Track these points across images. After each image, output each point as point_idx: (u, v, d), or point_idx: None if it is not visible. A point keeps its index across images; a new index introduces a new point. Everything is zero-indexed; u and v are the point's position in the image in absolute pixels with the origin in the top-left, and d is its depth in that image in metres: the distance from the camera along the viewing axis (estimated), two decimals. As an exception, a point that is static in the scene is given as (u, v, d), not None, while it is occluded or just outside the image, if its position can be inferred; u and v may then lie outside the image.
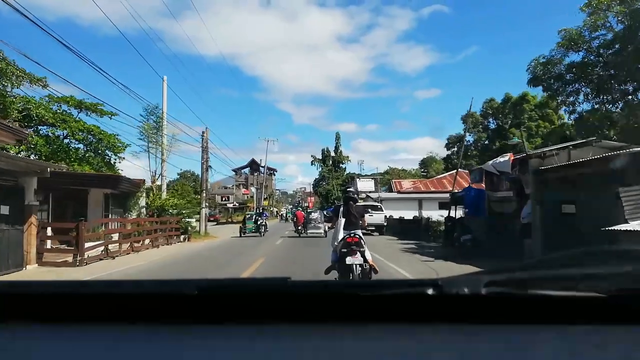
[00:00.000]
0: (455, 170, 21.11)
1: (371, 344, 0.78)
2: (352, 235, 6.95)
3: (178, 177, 72.36)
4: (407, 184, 39.64)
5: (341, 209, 7.56)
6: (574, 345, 0.76)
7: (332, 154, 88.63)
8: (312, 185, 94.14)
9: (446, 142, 58.70)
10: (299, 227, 26.11)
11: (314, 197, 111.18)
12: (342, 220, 7.23)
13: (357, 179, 33.70)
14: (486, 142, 54.21)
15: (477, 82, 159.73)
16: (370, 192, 36.71)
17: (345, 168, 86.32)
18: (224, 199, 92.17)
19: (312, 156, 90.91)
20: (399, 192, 36.13)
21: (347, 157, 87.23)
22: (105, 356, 0.79)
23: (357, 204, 7.77)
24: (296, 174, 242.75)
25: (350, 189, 8.07)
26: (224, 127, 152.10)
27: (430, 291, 0.83)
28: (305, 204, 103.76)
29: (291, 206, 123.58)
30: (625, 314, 0.82)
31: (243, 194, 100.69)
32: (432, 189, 35.53)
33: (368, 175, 42.46)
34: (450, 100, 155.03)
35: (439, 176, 39.56)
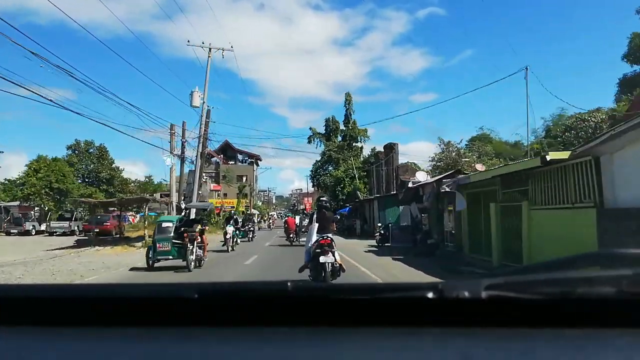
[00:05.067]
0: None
1: (371, 348, 0.79)
2: (324, 237, 7.81)
3: (68, 152, 40.59)
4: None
5: (315, 215, 8.52)
6: (574, 349, 0.76)
7: (342, 127, 57.56)
8: (309, 176, 61.91)
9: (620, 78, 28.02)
10: (291, 235, 22.96)
11: (312, 197, 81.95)
12: (316, 225, 8.14)
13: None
14: None
15: (473, 85, 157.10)
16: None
17: (362, 148, 54.92)
18: (182, 197, 61.84)
19: (310, 129, 59.69)
20: None
21: (365, 130, 56.01)
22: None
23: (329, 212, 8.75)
24: (292, 178, 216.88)
25: (323, 198, 9.73)
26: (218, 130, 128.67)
27: (430, 295, 0.83)
28: (302, 207, 77.61)
29: (283, 210, 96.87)
30: (625, 317, 0.82)
31: (211, 190, 69.59)
32: None
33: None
34: (447, 104, 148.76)
35: None
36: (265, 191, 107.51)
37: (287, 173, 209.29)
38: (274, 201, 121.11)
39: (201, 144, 24.24)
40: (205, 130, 24.81)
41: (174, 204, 22.94)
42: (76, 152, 40.31)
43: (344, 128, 56.47)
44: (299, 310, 0.89)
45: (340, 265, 7.80)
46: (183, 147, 23.49)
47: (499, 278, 0.90)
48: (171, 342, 0.84)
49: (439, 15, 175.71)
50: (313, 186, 63.50)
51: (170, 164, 22.62)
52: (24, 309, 0.94)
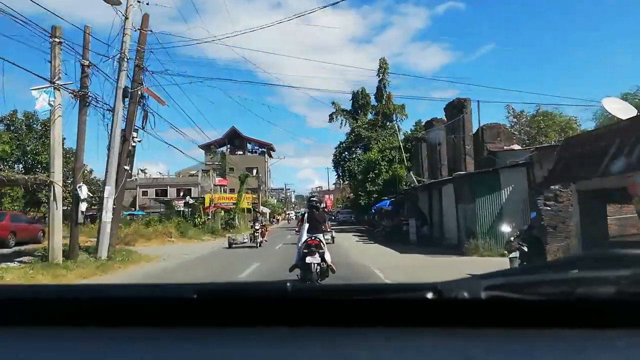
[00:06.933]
0: None
1: (371, 348, 0.80)
2: (313, 238, 7.96)
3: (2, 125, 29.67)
4: None
5: (305, 215, 8.72)
6: (574, 350, 0.77)
7: (373, 101, 45.55)
8: (332, 162, 49.69)
9: None
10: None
11: (333, 194, 70.56)
12: (306, 225, 8.37)
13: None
14: None
15: (495, 81, 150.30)
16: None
17: (398, 126, 42.82)
18: (181, 192, 52.20)
19: (333, 103, 47.69)
20: None
21: (403, 107, 43.88)
22: None
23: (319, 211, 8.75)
24: (313, 177, 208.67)
25: (314, 198, 10.05)
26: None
27: (429, 295, 0.84)
28: (322, 205, 61.02)
29: (298, 209, 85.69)
30: (625, 318, 0.82)
31: (216, 184, 58.43)
32: None
33: None
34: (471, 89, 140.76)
35: None
36: (282, 189, 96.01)
37: (307, 172, 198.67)
38: (293, 200, 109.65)
39: (123, 71, 12.55)
40: (140, 47, 13.24)
41: (57, 189, 11.25)
42: (12, 127, 29.44)
43: (376, 104, 44.68)
44: (298, 310, 0.89)
45: (329, 266, 7.94)
46: (84, 72, 11.82)
47: (498, 278, 0.91)
48: (171, 342, 0.84)
49: (459, 10, 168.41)
50: (336, 177, 51.79)
51: (47, 106, 10.89)
52: (23, 310, 0.94)
